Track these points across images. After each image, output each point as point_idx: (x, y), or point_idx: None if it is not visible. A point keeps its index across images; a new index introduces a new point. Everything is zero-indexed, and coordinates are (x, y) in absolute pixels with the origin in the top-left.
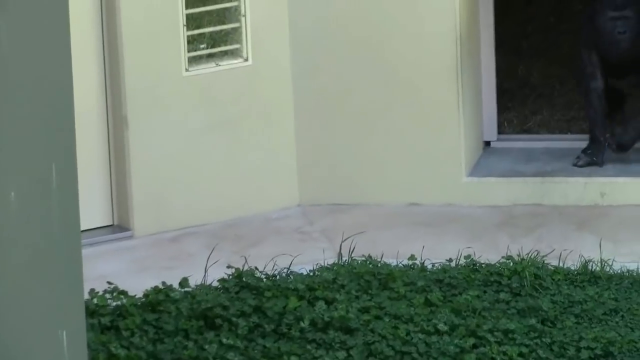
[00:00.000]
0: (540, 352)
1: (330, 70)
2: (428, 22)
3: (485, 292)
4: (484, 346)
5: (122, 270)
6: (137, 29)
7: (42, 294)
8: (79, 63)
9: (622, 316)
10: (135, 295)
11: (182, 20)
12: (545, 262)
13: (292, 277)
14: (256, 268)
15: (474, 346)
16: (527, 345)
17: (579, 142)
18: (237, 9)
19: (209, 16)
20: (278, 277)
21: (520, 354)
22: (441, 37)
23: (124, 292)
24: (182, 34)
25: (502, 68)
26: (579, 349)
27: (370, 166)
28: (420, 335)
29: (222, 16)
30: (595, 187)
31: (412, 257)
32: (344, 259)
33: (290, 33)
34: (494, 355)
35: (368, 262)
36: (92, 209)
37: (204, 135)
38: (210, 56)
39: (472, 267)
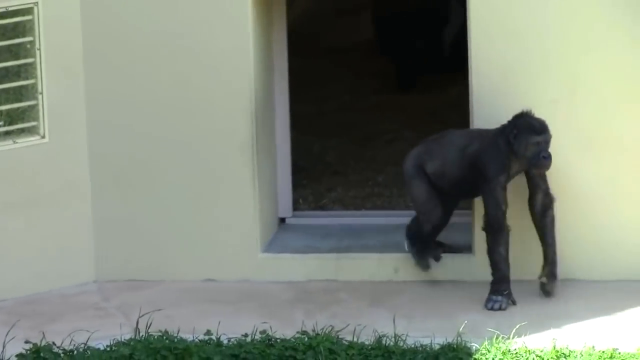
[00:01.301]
0: None
1: (129, 149)
2: (223, 101)
3: None
4: None
5: None
6: None
7: None
8: None
9: None
10: None
11: None
12: (340, 337)
13: (89, 352)
14: (54, 343)
15: None
16: None
17: (373, 218)
18: (34, 86)
19: (5, 94)
20: (75, 352)
21: None
22: (236, 116)
23: None
24: None
25: (297, 146)
26: None
27: (167, 242)
28: None
29: (19, 94)
30: (389, 262)
31: (208, 333)
32: (140, 334)
33: (87, 111)
34: None
35: (164, 337)
36: None
37: (1, 213)
38: (7, 133)
39: (268, 342)
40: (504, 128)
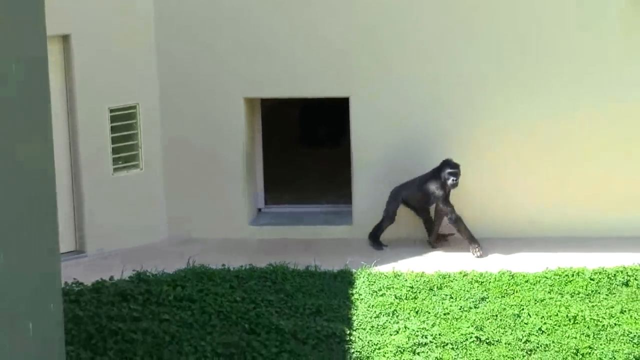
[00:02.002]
0: (286, 310)
1: (184, 172)
2: (232, 152)
3: (260, 281)
4: (260, 308)
5: (81, 273)
6: (87, 154)
7: (39, 286)
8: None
9: (326, 293)
10: (87, 285)
11: (109, 150)
12: (289, 267)
13: (165, 275)
14: (147, 271)
15: (254, 308)
16: (279, 307)
17: (305, 208)
18: (137, 144)
19: (125, 149)
20: (158, 275)
21: (276, 312)
22: (237, 156)
23: (81, 283)
24: (110, 155)
25: (267, 170)
26: (311, 309)
27: (206, 219)
28: (227, 302)
29: (129, 148)
30: (313, 230)
31: (223, 265)
32: (190, 266)
33: (163, 156)
34: (264, 312)
35: (202, 268)
36: (64, 240)
37: (118, 203)
38: (124, 168)
39: (252, 270)
40: (438, 168)
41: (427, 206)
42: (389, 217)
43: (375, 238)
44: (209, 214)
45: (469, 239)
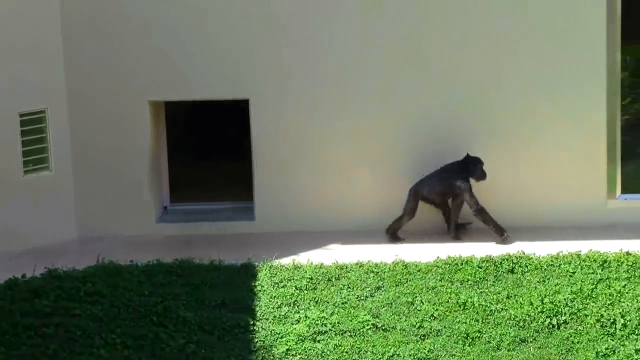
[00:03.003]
0: (193, 303)
1: (90, 174)
2: (138, 152)
3: (167, 275)
4: (167, 302)
5: None
6: (3, 152)
7: None
8: None
9: (231, 286)
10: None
11: (20, 153)
12: (196, 262)
13: (76, 271)
14: (58, 268)
15: (161, 301)
16: (186, 300)
17: (204, 206)
18: (48, 148)
19: (34, 153)
20: (69, 272)
21: (183, 305)
22: (142, 158)
23: None
24: (21, 158)
25: (172, 169)
26: (216, 301)
27: (114, 215)
28: (135, 297)
29: (39, 151)
30: (214, 226)
31: (131, 261)
32: (99, 263)
33: (72, 159)
34: (171, 305)
35: (110, 264)
36: None
37: (29, 204)
38: (34, 170)
39: (159, 265)
40: (464, 163)
41: (448, 199)
42: (406, 214)
43: (393, 233)
44: (117, 213)
45: (495, 228)
